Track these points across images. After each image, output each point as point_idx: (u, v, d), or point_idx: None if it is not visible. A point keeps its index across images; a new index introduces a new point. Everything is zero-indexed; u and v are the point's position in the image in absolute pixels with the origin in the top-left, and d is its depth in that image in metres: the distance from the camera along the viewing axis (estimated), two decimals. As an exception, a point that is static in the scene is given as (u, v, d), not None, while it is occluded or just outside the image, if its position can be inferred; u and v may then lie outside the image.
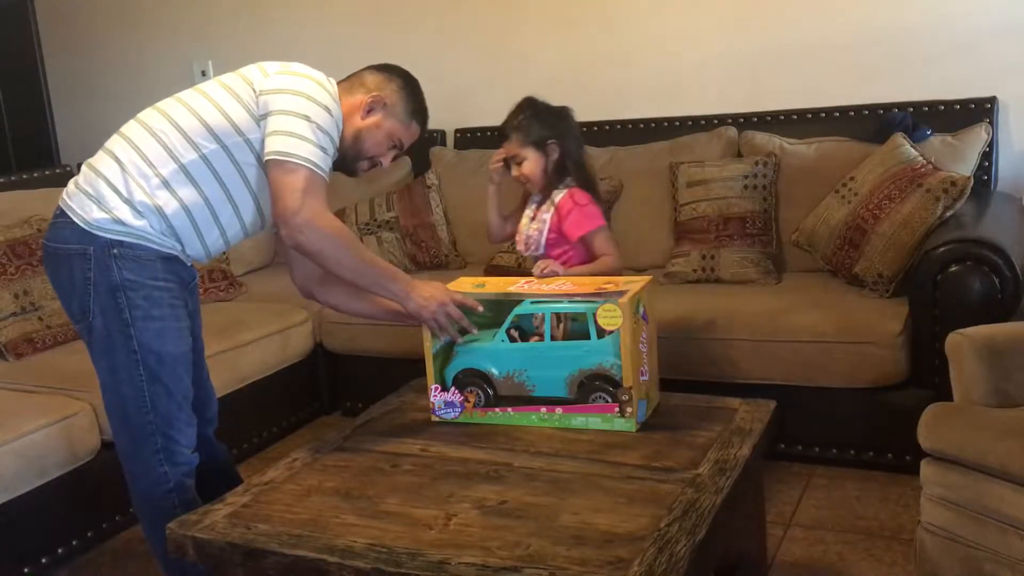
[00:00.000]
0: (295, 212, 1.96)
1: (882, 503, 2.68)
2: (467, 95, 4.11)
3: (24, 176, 3.68)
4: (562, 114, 2.53)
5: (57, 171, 3.79)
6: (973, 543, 1.91)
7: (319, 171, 1.99)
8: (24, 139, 5.13)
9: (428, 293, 2.10)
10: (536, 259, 2.52)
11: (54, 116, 5.13)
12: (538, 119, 2.47)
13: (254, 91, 2.03)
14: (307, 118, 1.98)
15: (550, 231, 2.51)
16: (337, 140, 2.08)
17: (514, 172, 2.51)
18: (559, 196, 2.49)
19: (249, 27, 4.51)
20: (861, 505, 2.68)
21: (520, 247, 2.61)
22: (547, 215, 2.51)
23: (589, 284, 2.17)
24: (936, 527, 1.98)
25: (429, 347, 2.15)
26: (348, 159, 2.18)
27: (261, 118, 2.01)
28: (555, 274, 2.33)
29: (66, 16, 5.00)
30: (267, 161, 1.98)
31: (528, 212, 2.59)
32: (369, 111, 2.14)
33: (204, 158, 2.02)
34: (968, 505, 1.91)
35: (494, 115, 4.05)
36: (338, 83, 2.16)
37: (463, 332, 2.15)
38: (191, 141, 2.01)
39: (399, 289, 2.09)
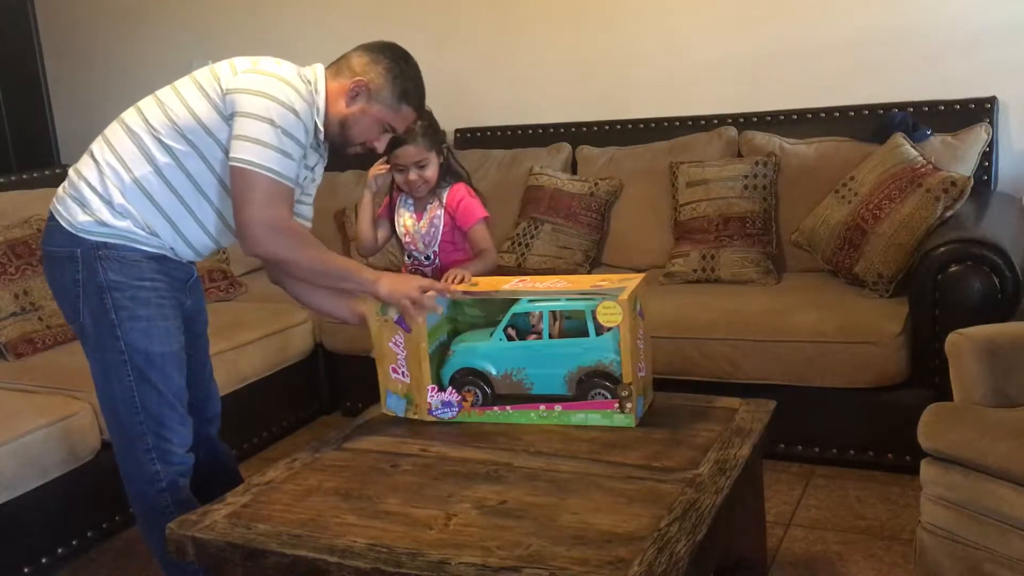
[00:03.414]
0: (254, 225, 1.96)
1: (882, 503, 2.68)
2: (468, 95, 4.11)
3: (24, 176, 3.68)
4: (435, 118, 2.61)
5: (57, 171, 3.79)
6: (973, 543, 1.91)
7: (280, 179, 1.97)
8: (24, 139, 5.13)
9: (397, 279, 2.14)
10: (428, 259, 2.61)
11: (54, 116, 5.13)
12: (432, 125, 2.52)
13: (220, 88, 2.00)
14: (271, 122, 1.95)
15: (445, 227, 2.59)
16: (307, 140, 2.04)
17: (412, 176, 2.52)
18: (444, 194, 2.59)
19: (249, 27, 4.51)
20: (861, 505, 2.68)
21: (414, 247, 2.64)
22: (439, 212, 2.59)
23: (585, 282, 2.18)
24: (936, 527, 1.98)
25: (425, 348, 2.15)
26: (337, 145, 2.16)
27: (229, 117, 1.99)
28: (466, 279, 2.33)
29: (66, 16, 5.00)
30: (231, 167, 1.97)
31: (407, 214, 2.64)
32: (353, 97, 2.09)
33: (176, 160, 2.01)
34: (968, 505, 1.91)
35: (494, 115, 4.11)
36: (327, 66, 2.13)
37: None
38: (162, 143, 2.01)
39: (367, 278, 2.10)
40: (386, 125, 2.14)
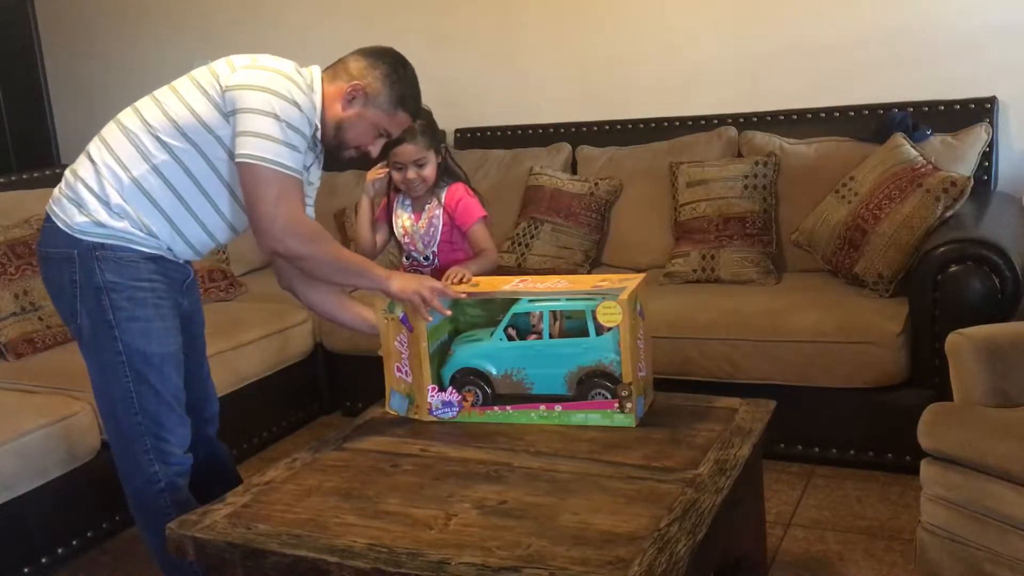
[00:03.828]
0: (271, 221, 1.96)
1: (882, 503, 2.68)
2: (467, 95, 4.11)
3: (24, 176, 3.69)
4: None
5: (57, 171, 3.78)
6: (973, 543, 1.91)
7: (291, 172, 1.97)
8: (24, 139, 5.13)
9: (408, 277, 2.16)
10: (427, 259, 2.62)
11: (54, 116, 5.13)
12: (431, 124, 2.53)
13: (220, 86, 2.00)
14: (276, 116, 1.95)
15: (444, 226, 2.60)
16: (310, 132, 2.05)
17: (411, 174, 2.54)
18: (443, 193, 2.61)
19: (250, 27, 4.51)
20: (861, 505, 2.68)
21: (413, 248, 2.65)
22: (438, 211, 2.60)
23: (585, 282, 2.19)
24: (936, 527, 1.98)
25: (426, 347, 2.15)
26: (331, 148, 2.15)
27: (229, 114, 1.98)
28: (467, 278, 2.33)
29: (66, 16, 5.00)
30: (238, 164, 1.97)
31: (405, 215, 2.64)
32: (350, 101, 2.09)
33: (175, 158, 2.01)
34: (968, 505, 1.91)
35: (494, 115, 4.11)
36: (324, 69, 2.13)
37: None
38: (160, 140, 2.00)
39: (379, 275, 2.11)
40: (381, 130, 2.14)
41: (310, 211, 2.25)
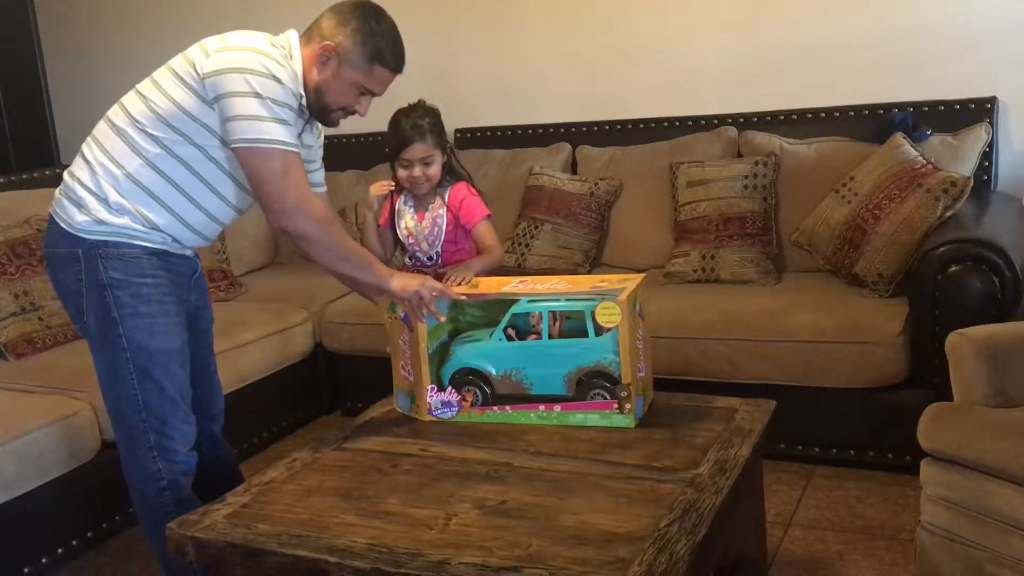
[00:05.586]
0: (281, 197, 1.96)
1: (882, 503, 2.68)
2: (468, 95, 4.11)
3: (24, 176, 3.69)
4: None
5: (57, 171, 3.79)
6: (973, 543, 1.91)
7: (288, 147, 1.96)
8: (24, 139, 5.13)
9: (409, 277, 2.16)
10: (431, 259, 2.60)
11: (54, 116, 5.13)
12: (438, 123, 2.53)
13: (197, 74, 1.98)
14: (258, 95, 1.93)
15: (448, 226, 2.59)
16: (296, 103, 2.03)
17: (416, 172, 2.52)
18: (447, 193, 2.60)
19: (250, 28, 4.50)
20: (861, 505, 2.68)
21: (418, 248, 2.64)
22: (442, 211, 2.59)
23: (584, 282, 2.19)
24: (936, 527, 1.98)
25: (424, 348, 2.15)
26: (316, 113, 2.13)
27: (213, 101, 1.97)
28: (468, 279, 2.32)
29: (66, 16, 5.00)
30: (234, 149, 1.96)
31: (408, 215, 2.64)
32: (324, 63, 2.05)
33: (167, 149, 2.00)
34: (968, 505, 1.91)
35: (495, 115, 4.11)
36: (301, 34, 2.11)
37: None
38: (149, 134, 2.00)
39: (382, 272, 2.12)
40: (361, 88, 2.09)
41: (319, 175, 2.25)
